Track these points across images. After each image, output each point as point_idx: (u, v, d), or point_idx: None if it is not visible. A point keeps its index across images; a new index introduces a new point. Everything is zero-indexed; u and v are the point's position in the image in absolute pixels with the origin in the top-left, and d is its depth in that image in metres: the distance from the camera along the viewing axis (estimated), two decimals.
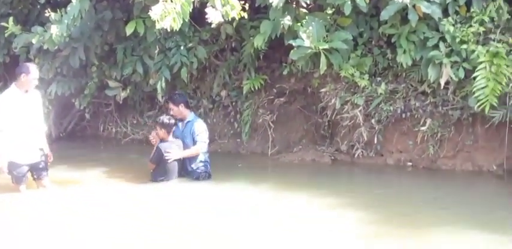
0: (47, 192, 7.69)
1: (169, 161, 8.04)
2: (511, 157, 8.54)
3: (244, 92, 10.16)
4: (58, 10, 9.37)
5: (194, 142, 8.31)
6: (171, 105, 8.53)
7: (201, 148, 8.33)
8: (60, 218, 6.82)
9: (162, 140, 8.20)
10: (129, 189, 8.03)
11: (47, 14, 9.34)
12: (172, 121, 8.25)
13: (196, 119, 8.60)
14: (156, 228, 6.34)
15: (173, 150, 8.10)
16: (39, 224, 6.60)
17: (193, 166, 8.34)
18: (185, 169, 8.33)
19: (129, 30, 9.49)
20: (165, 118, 8.24)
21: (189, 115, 8.56)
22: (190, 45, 10.10)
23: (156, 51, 10.26)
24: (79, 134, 12.55)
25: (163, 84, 10.22)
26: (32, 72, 7.51)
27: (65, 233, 6.30)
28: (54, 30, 9.27)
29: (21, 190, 7.57)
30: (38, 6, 11.09)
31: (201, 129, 8.40)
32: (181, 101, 8.51)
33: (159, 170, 8.12)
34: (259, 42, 8.95)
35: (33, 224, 6.62)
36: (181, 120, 8.48)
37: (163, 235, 6.15)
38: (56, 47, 9.84)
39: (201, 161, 8.37)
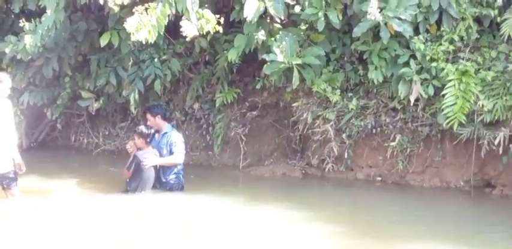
0: (16, 202, 7.63)
1: (146, 167, 8.01)
2: (478, 173, 8.67)
3: (217, 105, 10.20)
4: (32, 20, 9.35)
5: (171, 153, 8.31)
6: (148, 116, 8.50)
7: (178, 158, 8.33)
8: (28, 228, 6.76)
9: (139, 149, 8.19)
10: (100, 199, 7.99)
11: (21, 24, 9.30)
12: (151, 131, 8.24)
13: (173, 130, 8.57)
14: (128, 239, 6.36)
15: (150, 157, 8.10)
16: (6, 235, 6.55)
17: (167, 177, 8.32)
18: (159, 180, 8.29)
19: (103, 41, 9.49)
20: (143, 128, 8.24)
21: (166, 126, 8.53)
22: (164, 57, 10.14)
23: (130, 63, 10.26)
24: (50, 144, 12.44)
25: (137, 96, 10.22)
26: (5, 81, 7.48)
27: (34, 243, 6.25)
28: (28, 40, 9.24)
29: None
30: (12, 16, 11.02)
31: (178, 141, 8.38)
32: (159, 112, 8.50)
33: (134, 179, 8.07)
34: (233, 56, 9.00)
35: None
36: (158, 131, 8.44)
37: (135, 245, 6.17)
38: (29, 57, 9.80)
39: (174, 173, 8.35)
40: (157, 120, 8.45)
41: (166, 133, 8.45)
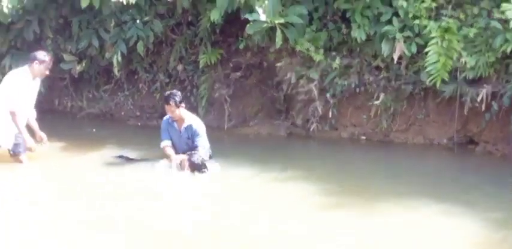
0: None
1: None
2: (461, 130, 8.73)
3: (200, 66, 10.17)
4: None
5: (193, 143, 7.74)
6: (171, 107, 7.63)
7: (204, 153, 7.71)
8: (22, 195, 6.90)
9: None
10: (87, 163, 8.05)
11: None
12: (200, 161, 7.43)
13: (196, 120, 7.89)
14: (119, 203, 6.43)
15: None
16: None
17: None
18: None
19: (84, 3, 9.40)
20: (197, 159, 7.41)
21: (188, 116, 7.88)
22: (146, 18, 10.04)
23: (112, 25, 10.16)
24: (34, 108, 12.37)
25: (120, 58, 10.16)
26: (47, 62, 7.77)
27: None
28: (5, 2, 9.14)
29: None
30: None
31: (201, 132, 7.77)
32: (182, 101, 7.72)
33: None
34: (215, 16, 8.95)
35: None
36: (176, 121, 7.83)
37: (121, 209, 6.24)
38: (9, 20, 9.70)
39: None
40: (181, 110, 7.72)
41: (188, 125, 7.77)
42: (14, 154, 7.76)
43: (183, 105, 7.74)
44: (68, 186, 7.09)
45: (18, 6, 9.22)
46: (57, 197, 6.76)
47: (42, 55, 7.75)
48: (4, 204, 6.52)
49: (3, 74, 10.64)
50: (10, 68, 10.71)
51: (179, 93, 7.86)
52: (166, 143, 7.84)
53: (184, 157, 7.54)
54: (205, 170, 7.40)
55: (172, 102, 7.60)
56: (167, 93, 7.89)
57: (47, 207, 6.41)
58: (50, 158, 8.13)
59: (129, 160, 8.09)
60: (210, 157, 7.90)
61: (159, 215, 6.11)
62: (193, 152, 7.55)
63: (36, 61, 7.67)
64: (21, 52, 10.92)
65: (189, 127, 7.76)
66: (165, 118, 7.99)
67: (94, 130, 8.50)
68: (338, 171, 7.65)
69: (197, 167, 7.40)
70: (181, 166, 7.50)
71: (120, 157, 8.16)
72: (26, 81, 7.68)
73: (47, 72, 7.85)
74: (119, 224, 5.83)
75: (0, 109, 7.59)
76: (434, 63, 8.07)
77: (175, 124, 7.84)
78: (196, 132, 7.73)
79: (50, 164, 8.00)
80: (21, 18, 10.14)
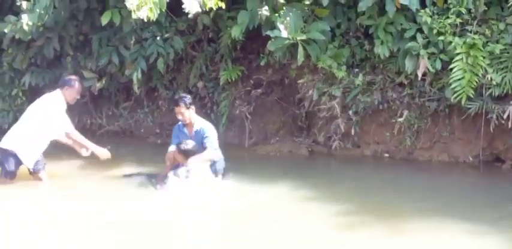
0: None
1: None
2: (487, 148, 8.60)
3: (221, 83, 10.12)
4: None
5: (203, 146, 7.62)
6: (182, 109, 7.60)
7: (211, 155, 7.65)
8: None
9: (176, 163, 7.67)
10: (108, 182, 8.00)
11: (18, 3, 9.23)
12: (189, 147, 7.49)
13: (206, 124, 7.82)
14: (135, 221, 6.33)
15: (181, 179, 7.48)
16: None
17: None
18: None
19: (104, 20, 9.39)
20: (185, 145, 7.46)
21: (198, 120, 7.81)
22: (166, 35, 10.01)
23: (132, 42, 10.15)
24: None
25: (140, 75, 10.13)
26: (76, 86, 7.82)
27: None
28: (25, 19, 9.16)
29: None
30: None
31: (211, 134, 7.67)
32: (191, 103, 7.68)
33: None
34: (236, 32, 8.90)
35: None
36: (186, 125, 7.78)
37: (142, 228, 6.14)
38: (30, 37, 9.72)
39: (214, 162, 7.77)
40: (191, 112, 7.68)
41: (198, 129, 7.71)
42: (34, 172, 7.72)
43: (193, 107, 7.71)
44: (86, 205, 7.01)
45: (39, 24, 9.22)
46: (72, 213, 6.67)
47: (71, 81, 7.83)
48: (23, 219, 6.50)
49: (23, 91, 10.80)
50: (30, 85, 10.82)
51: (189, 96, 7.87)
52: (172, 149, 7.76)
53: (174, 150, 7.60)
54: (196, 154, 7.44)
55: (182, 103, 7.59)
56: (176, 96, 8.02)
57: (63, 225, 6.32)
58: (69, 176, 8.12)
59: (135, 175, 8.08)
60: (224, 171, 7.85)
61: (170, 231, 6.07)
62: (182, 140, 7.54)
63: (66, 87, 7.75)
64: (41, 69, 10.99)
65: (199, 131, 7.71)
66: (176, 125, 7.98)
67: (109, 147, 8.46)
68: (361, 190, 7.52)
69: (188, 153, 7.42)
70: (176, 158, 7.54)
71: (127, 176, 8.14)
72: (62, 104, 7.73)
73: (78, 96, 7.91)
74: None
75: (30, 129, 7.60)
76: (460, 79, 7.97)
77: (186, 130, 7.80)
78: (205, 134, 7.65)
79: (69, 182, 7.97)
80: (42, 35, 10.17)
